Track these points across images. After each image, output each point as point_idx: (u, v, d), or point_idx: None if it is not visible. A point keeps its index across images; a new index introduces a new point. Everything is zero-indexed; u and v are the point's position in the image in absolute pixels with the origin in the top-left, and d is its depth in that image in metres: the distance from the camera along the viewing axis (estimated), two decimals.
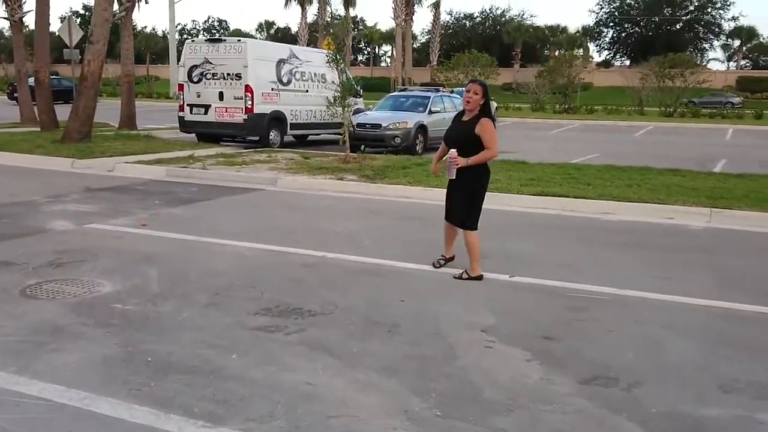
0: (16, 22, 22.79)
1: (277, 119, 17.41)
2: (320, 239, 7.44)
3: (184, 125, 17.64)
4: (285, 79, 17.61)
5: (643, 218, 9.04)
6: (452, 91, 22.57)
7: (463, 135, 5.87)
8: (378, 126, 16.71)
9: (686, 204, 9.31)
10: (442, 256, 6.46)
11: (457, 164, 5.77)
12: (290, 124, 17.88)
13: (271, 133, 17.24)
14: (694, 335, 4.81)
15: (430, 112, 17.63)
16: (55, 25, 38.11)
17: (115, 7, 21.13)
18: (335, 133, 19.65)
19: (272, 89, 17.17)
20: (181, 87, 17.57)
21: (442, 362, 4.20)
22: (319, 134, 19.96)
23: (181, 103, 17.50)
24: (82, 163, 13.14)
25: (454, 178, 5.87)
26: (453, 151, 5.81)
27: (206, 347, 4.32)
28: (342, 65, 13.34)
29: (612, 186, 10.85)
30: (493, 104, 34.21)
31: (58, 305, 5.10)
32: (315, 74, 18.60)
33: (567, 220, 8.95)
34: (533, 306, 5.39)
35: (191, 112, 17.33)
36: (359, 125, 16.42)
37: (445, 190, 6.35)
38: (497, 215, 9.10)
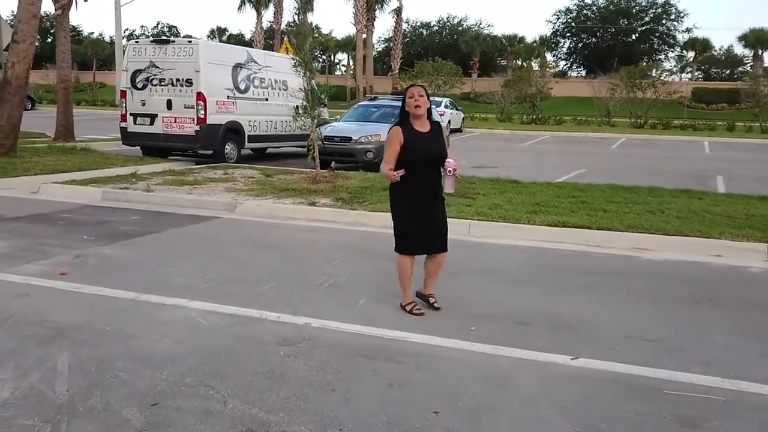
0: None
1: (234, 131, 15.47)
2: (298, 295, 5.62)
3: (127, 137, 15.55)
4: (242, 86, 15.69)
5: (687, 256, 7.45)
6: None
7: (438, 148, 5.14)
8: (348, 139, 14.92)
9: (736, 239, 7.75)
10: (413, 303, 5.29)
11: (457, 175, 5.13)
12: (248, 136, 15.95)
13: (226, 147, 15.29)
14: None
15: None
16: None
17: (51, 6, 18.99)
18: (298, 146, 17.97)
19: (228, 97, 15.23)
20: (123, 94, 15.48)
21: None
22: (280, 147, 18.07)
23: (124, 112, 15.41)
24: (2, 183, 11.05)
25: (453, 191, 5.19)
26: (452, 160, 5.06)
27: None
28: (312, 69, 11.51)
29: (632, 212, 9.28)
30: (460, 114, 32.98)
31: None
32: (275, 81, 16.72)
33: (599, 261, 7.30)
34: (623, 412, 3.68)
35: (135, 123, 15.26)
36: (327, 138, 14.62)
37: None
38: (512, 253, 7.43)
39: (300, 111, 11.96)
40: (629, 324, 5.14)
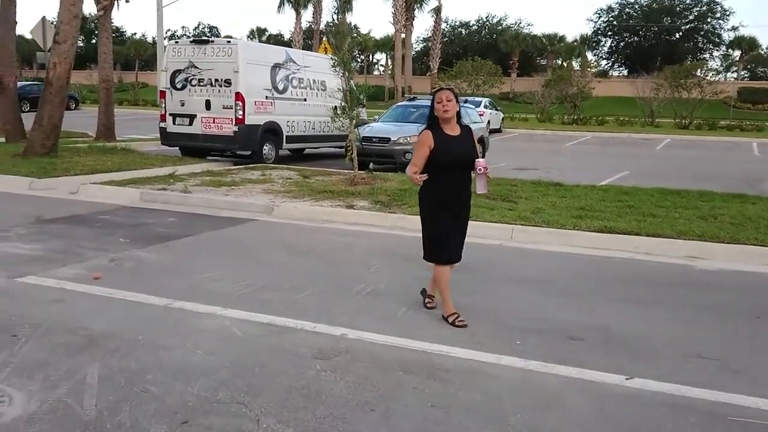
0: None
1: (272, 131, 15.38)
2: (335, 303, 5.43)
3: (166, 137, 15.57)
4: (281, 86, 15.59)
5: (744, 266, 7.07)
6: (466, 101, 20.59)
7: (467, 151, 5.03)
8: (387, 140, 14.71)
9: None
10: (458, 314, 5.09)
11: (489, 176, 5.04)
12: (286, 136, 15.86)
13: (264, 147, 15.20)
14: None
15: None
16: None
17: (93, 8, 19.17)
18: (335, 147, 17.82)
19: (266, 97, 15.15)
20: (163, 94, 15.51)
21: None
22: (318, 148, 17.95)
23: (163, 112, 15.44)
24: (42, 183, 11.08)
25: (486, 192, 5.09)
26: (482, 160, 4.95)
27: None
28: (351, 69, 11.31)
29: (682, 218, 8.90)
30: (499, 114, 32.54)
31: None
32: (314, 81, 16.61)
33: (651, 270, 6.96)
34: None
35: (174, 123, 15.27)
36: (365, 139, 14.41)
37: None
38: (558, 261, 7.13)
39: (338, 111, 11.77)
40: (687, 341, 4.83)
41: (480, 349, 4.52)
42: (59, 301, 5.32)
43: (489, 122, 28.81)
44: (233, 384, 3.86)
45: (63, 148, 14.90)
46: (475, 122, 17.65)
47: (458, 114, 5.10)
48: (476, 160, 4.90)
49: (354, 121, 11.74)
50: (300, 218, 9.12)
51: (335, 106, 12.20)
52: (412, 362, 4.26)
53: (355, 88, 11.60)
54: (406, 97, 24.78)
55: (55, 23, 15.22)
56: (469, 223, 8.43)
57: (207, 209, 9.61)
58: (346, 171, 13.46)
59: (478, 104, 27.86)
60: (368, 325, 4.93)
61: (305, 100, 16.33)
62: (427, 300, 5.44)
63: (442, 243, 5.07)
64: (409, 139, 14.63)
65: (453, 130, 5.03)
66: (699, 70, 40.27)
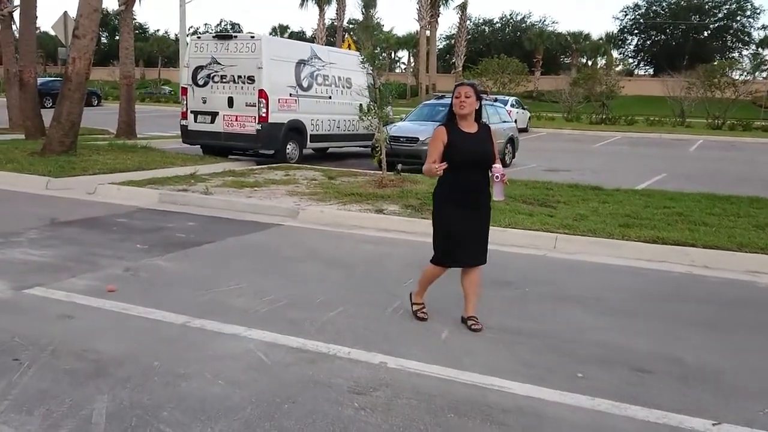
0: (5, 17, 20.37)
1: (296, 130, 14.88)
2: (371, 324, 4.91)
3: (188, 135, 15.14)
4: (305, 84, 15.09)
5: None
6: (496, 99, 19.98)
7: (484, 150, 4.76)
8: (415, 140, 14.15)
9: None
10: (421, 305, 5.15)
11: (506, 182, 4.76)
12: (310, 135, 15.34)
13: (288, 147, 14.72)
14: None
15: None
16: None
17: (115, 4, 18.80)
18: (361, 146, 17.32)
19: (290, 95, 14.65)
20: (184, 91, 15.06)
21: None
22: (342, 147, 17.44)
23: (184, 109, 14.99)
24: (59, 183, 10.68)
25: (502, 199, 4.86)
26: (499, 166, 4.72)
27: None
28: (381, 66, 10.77)
29: (737, 227, 8.27)
30: (526, 113, 31.85)
31: None
32: (339, 78, 16.08)
33: (713, 287, 6.35)
34: None
35: (196, 121, 14.84)
36: (392, 138, 13.82)
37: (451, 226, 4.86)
38: (609, 275, 6.55)
39: (367, 110, 11.23)
40: None
41: (539, 383, 3.97)
42: (67, 318, 4.84)
43: (516, 121, 28.16)
44: (260, 425, 3.35)
45: (82, 145, 14.53)
46: (505, 121, 17.04)
47: (478, 112, 4.88)
48: (493, 166, 4.68)
49: (383, 121, 11.19)
50: (327, 223, 8.61)
51: (362, 104, 11.66)
52: (463, 401, 3.72)
53: (384, 86, 11.01)
54: (433, 95, 24.18)
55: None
56: (510, 231, 7.97)
57: (229, 212, 9.14)
58: (372, 171, 12.98)
59: (504, 103, 27.19)
60: (409, 350, 4.40)
61: (330, 97, 15.81)
62: (470, 323, 4.92)
63: (451, 246, 4.84)
64: None
65: (470, 127, 4.80)
66: (730, 69, 39.20)
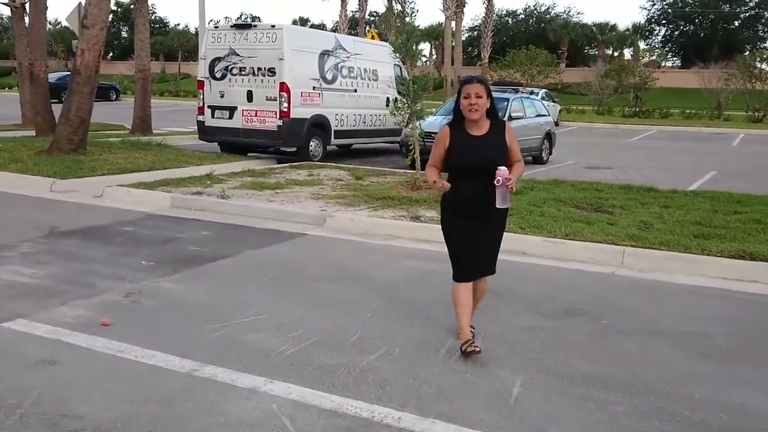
0: (18, 9, 19.62)
1: (319, 125, 13.92)
2: (420, 373, 3.94)
3: (205, 132, 14.24)
4: (329, 76, 14.12)
5: None
6: (532, 92, 18.87)
7: (491, 155, 4.13)
8: None
9: None
10: (470, 341, 4.19)
11: (511, 187, 4.09)
12: (334, 131, 14.38)
13: (311, 143, 13.76)
14: None
15: (510, 119, 13.91)
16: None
17: None
18: (387, 142, 16.35)
19: (313, 88, 13.69)
20: (201, 85, 14.15)
21: None
22: (368, 143, 16.46)
23: (201, 104, 14.09)
24: (64, 185, 9.82)
25: (508, 206, 4.23)
26: (504, 168, 4.05)
27: None
28: (415, 55, 9.76)
29: None
30: (556, 106, 30.63)
31: None
32: (365, 70, 15.10)
33: None
34: None
35: (213, 116, 13.94)
36: (426, 135, 12.85)
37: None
38: (696, 300, 5.53)
39: (399, 104, 10.23)
40: None
41: None
42: (48, 364, 3.93)
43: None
44: None
45: (94, 143, 13.70)
46: (541, 115, 15.96)
47: (492, 109, 4.22)
48: (498, 169, 4.02)
49: (417, 116, 10.18)
50: (357, 232, 7.65)
51: (395, 98, 10.67)
52: None
53: (418, 78, 9.98)
54: None
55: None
56: (568, 242, 6.94)
57: (248, 219, 8.22)
58: (403, 171, 12.04)
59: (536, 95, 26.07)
60: (473, 414, 3.44)
61: (355, 90, 14.83)
62: (462, 343, 4.24)
63: (457, 257, 4.34)
64: None
65: (479, 129, 4.21)
66: (761, 60, 37.54)
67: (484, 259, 4.36)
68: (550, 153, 15.95)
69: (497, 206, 4.10)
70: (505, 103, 14.15)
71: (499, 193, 4.06)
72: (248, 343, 4.30)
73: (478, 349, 4.14)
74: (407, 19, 9.82)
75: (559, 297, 5.50)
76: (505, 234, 6.93)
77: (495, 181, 4.02)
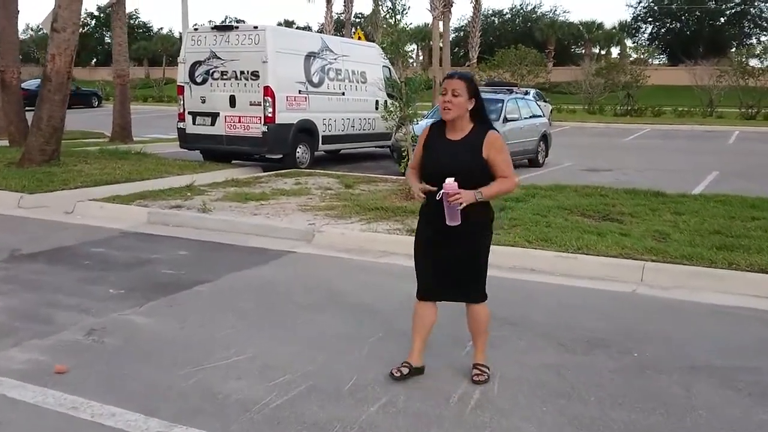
0: None
1: (306, 131, 13.29)
2: (427, 429, 3.32)
3: (186, 140, 13.57)
4: (316, 79, 13.50)
5: None
6: (527, 93, 18.31)
7: (461, 161, 3.64)
8: None
9: None
10: (406, 362, 3.89)
11: (462, 202, 3.51)
12: (322, 136, 13.75)
13: (298, 150, 13.13)
14: None
15: (506, 120, 13.34)
16: None
17: None
18: (377, 147, 15.77)
19: (299, 92, 13.07)
20: (181, 90, 13.48)
21: None
22: (357, 148, 15.85)
23: (181, 110, 13.41)
24: (32, 200, 9.15)
25: (458, 223, 3.58)
26: (451, 180, 3.52)
27: None
28: (406, 55, 9.16)
29: None
30: (548, 106, 30.11)
31: None
32: (353, 72, 14.50)
33: None
34: None
35: (194, 123, 13.28)
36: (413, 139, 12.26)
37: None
38: (735, 327, 4.96)
39: (390, 108, 9.62)
40: None
41: None
42: None
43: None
44: None
45: (69, 152, 13.02)
46: (536, 116, 15.40)
47: (481, 111, 3.71)
48: (446, 180, 3.52)
49: (409, 120, 9.56)
50: (349, 249, 7.03)
51: (385, 102, 10.06)
52: None
53: (410, 80, 9.35)
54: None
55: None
56: (581, 257, 6.34)
57: (230, 235, 7.58)
58: (395, 177, 11.43)
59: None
60: None
61: (343, 93, 14.22)
62: (473, 372, 3.89)
63: (418, 272, 3.93)
64: None
65: (455, 133, 3.73)
66: (749, 56, 37.12)
67: (447, 281, 3.83)
68: (546, 155, 15.39)
69: (447, 223, 3.60)
70: (500, 104, 13.58)
71: (446, 208, 3.56)
72: (227, 395, 3.67)
73: (397, 374, 3.81)
74: (398, 16, 9.19)
75: (578, 324, 4.89)
76: (511, 249, 6.42)
77: (437, 195, 3.55)
